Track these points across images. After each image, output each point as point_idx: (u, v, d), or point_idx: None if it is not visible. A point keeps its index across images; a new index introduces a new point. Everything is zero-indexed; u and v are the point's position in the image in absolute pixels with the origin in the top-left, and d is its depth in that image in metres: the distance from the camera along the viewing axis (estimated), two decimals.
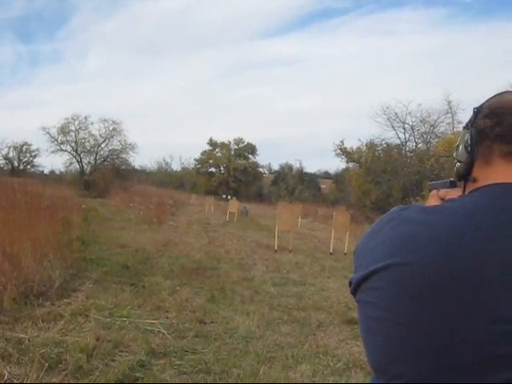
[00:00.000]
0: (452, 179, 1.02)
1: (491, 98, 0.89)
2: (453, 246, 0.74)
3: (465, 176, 0.90)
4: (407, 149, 32.06)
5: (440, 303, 0.72)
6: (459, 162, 0.91)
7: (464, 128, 0.92)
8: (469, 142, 0.88)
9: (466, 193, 0.89)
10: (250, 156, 53.93)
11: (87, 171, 38.45)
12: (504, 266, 0.71)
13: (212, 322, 5.29)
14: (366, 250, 0.85)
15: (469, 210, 0.78)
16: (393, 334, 0.76)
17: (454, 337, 0.71)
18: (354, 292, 0.86)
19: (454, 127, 29.05)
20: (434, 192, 1.04)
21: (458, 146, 0.92)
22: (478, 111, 0.89)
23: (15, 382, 3.31)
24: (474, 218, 0.76)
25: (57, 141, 37.61)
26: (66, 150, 38.16)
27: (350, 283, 0.86)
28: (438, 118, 29.98)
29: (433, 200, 1.02)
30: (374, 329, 0.80)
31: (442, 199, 0.99)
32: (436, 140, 30.15)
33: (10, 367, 3.49)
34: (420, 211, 0.82)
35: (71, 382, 3.42)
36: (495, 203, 0.78)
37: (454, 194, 0.95)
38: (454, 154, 0.93)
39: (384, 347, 0.78)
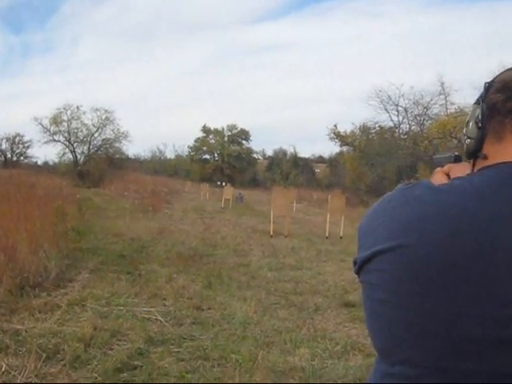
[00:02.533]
0: (457, 153, 0.99)
1: (503, 72, 0.84)
2: (461, 227, 0.71)
3: (475, 153, 0.86)
4: (401, 131, 32.19)
5: (447, 287, 0.69)
6: (469, 138, 0.87)
7: (475, 103, 0.88)
8: (479, 118, 0.84)
9: (475, 170, 0.85)
10: (244, 142, 53.57)
11: (81, 161, 38.22)
12: None
13: (209, 309, 5.29)
14: (370, 229, 0.82)
15: (478, 189, 0.75)
16: (398, 317, 0.74)
17: (461, 321, 0.69)
18: (358, 272, 0.84)
19: (447, 109, 29.17)
20: (439, 169, 1.01)
21: (468, 121, 0.88)
22: (489, 86, 0.84)
23: (13, 373, 3.30)
24: (484, 199, 0.73)
25: (49, 131, 37.28)
26: (58, 141, 37.85)
27: (355, 263, 0.84)
28: (431, 99, 30.08)
29: (438, 176, 0.99)
30: (378, 311, 0.78)
31: (447, 174, 0.96)
32: (429, 122, 30.25)
33: (8, 359, 3.48)
34: (426, 190, 0.79)
35: (69, 372, 3.41)
36: (506, 183, 0.74)
37: (459, 169, 0.92)
38: (464, 131, 0.89)
39: (389, 331, 0.76)
